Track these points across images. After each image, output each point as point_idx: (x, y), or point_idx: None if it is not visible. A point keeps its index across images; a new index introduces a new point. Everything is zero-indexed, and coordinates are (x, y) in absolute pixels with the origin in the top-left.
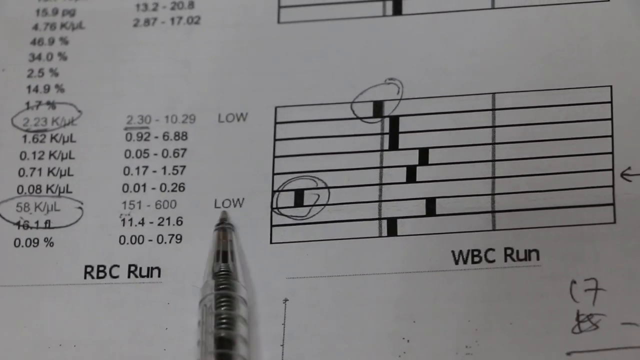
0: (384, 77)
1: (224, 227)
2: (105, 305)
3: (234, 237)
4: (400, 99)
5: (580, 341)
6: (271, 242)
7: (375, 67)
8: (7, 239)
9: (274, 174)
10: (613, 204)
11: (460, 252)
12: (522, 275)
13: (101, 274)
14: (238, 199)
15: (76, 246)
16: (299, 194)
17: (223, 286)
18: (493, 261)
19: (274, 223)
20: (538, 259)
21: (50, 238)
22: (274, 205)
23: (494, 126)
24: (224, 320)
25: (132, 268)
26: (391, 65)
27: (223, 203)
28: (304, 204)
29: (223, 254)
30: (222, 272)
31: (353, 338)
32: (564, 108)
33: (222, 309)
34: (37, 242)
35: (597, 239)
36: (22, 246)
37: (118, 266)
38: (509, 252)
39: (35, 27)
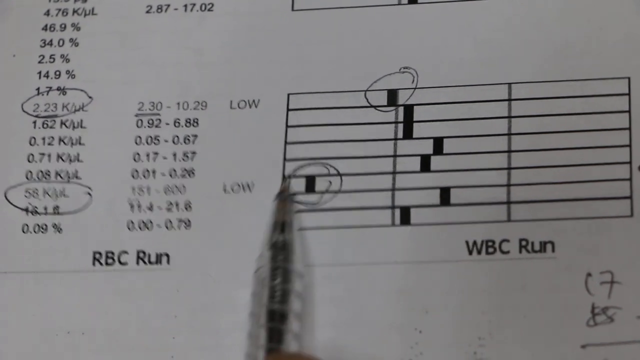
0: (398, 65)
1: (283, 197)
2: (114, 292)
3: (293, 208)
4: (415, 88)
5: (595, 334)
6: None
7: (389, 55)
8: (16, 225)
9: (285, 160)
10: (630, 197)
11: (475, 242)
12: (537, 267)
13: (110, 261)
14: (247, 184)
15: (85, 232)
16: (311, 181)
17: (279, 258)
18: (507, 252)
19: None
20: (553, 250)
21: (59, 224)
22: None
23: (509, 117)
24: (278, 294)
25: (141, 254)
26: (406, 54)
27: (232, 188)
28: (316, 190)
29: (281, 224)
30: (279, 244)
31: (364, 328)
32: (581, 99)
33: (277, 281)
34: (46, 228)
35: (613, 232)
36: (31, 232)
37: (127, 252)
38: (524, 243)
39: (47, 13)
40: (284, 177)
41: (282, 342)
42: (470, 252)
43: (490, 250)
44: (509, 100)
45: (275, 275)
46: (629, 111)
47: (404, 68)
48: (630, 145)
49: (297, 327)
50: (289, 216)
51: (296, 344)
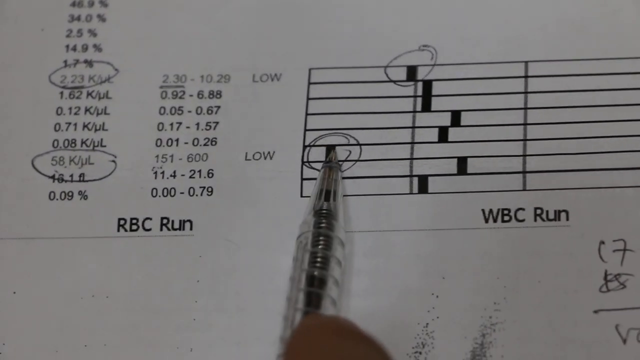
0: (418, 43)
1: (330, 166)
2: (138, 258)
3: (340, 177)
4: (434, 65)
5: (608, 300)
6: (302, 196)
7: (409, 33)
8: (42, 192)
9: (305, 130)
10: None
11: (491, 210)
12: (551, 235)
13: (134, 227)
14: (269, 152)
15: (109, 199)
16: (331, 150)
17: (322, 225)
18: (523, 220)
19: (304, 176)
20: (567, 219)
21: (85, 191)
22: (305, 159)
23: (526, 92)
24: (319, 259)
25: (165, 221)
26: (425, 32)
27: (254, 155)
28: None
29: (326, 192)
30: (323, 211)
31: (382, 293)
32: (596, 77)
33: (319, 247)
34: (72, 195)
35: (626, 202)
36: (57, 199)
37: (150, 219)
38: (538, 212)
39: None
40: (332, 147)
41: (320, 306)
42: (487, 220)
43: (506, 218)
44: (526, 77)
45: (318, 241)
46: None
47: (423, 46)
48: None
49: (335, 293)
50: (334, 185)
51: (334, 310)
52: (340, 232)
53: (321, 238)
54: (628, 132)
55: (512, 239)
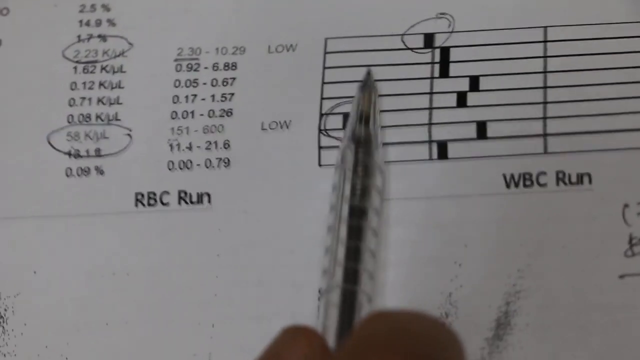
0: (435, 11)
1: (367, 87)
2: (157, 233)
3: (377, 99)
4: (452, 32)
5: (633, 264)
6: (320, 165)
7: (426, 1)
8: (59, 169)
9: (322, 99)
10: None
11: (512, 175)
12: (574, 199)
13: (152, 202)
14: (285, 121)
15: (126, 173)
16: (348, 117)
17: (360, 152)
18: (545, 185)
19: (322, 145)
20: (590, 182)
21: (101, 166)
22: (322, 127)
23: (545, 56)
24: (359, 190)
25: (182, 194)
26: (442, 0)
27: (270, 125)
28: None
29: (364, 116)
30: (363, 137)
31: (404, 263)
32: (615, 40)
33: (358, 176)
34: (88, 171)
35: None
36: (74, 176)
37: (168, 193)
38: (560, 175)
39: None
40: (367, 72)
41: (361, 239)
42: (508, 186)
43: (528, 183)
44: (545, 42)
45: (357, 170)
46: None
47: (440, 14)
48: None
49: (376, 223)
50: (372, 108)
51: (374, 240)
52: (380, 158)
53: (361, 167)
54: None
55: (535, 204)
